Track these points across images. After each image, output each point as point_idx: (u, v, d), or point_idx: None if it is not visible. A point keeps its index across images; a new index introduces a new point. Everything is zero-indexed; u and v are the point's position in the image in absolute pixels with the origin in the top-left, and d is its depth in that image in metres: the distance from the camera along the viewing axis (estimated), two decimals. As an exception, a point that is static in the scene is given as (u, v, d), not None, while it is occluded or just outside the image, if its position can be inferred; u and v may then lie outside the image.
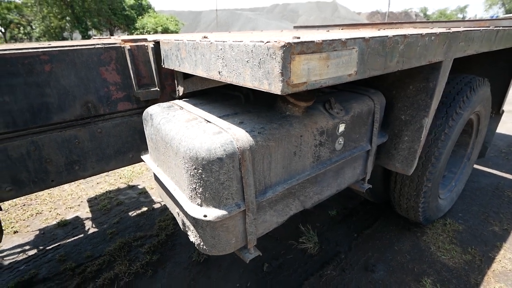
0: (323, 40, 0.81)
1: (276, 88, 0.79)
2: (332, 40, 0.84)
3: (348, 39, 0.88)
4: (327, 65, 0.86)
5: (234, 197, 1.09)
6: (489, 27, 2.23)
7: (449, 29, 1.58)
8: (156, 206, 3.06)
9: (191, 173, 1.05)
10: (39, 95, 1.34)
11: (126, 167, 4.00)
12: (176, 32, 32.01)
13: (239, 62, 0.91)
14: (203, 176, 1.03)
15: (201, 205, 1.08)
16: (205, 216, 1.05)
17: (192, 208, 1.09)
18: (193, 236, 1.23)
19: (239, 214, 1.14)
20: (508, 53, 2.63)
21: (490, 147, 4.16)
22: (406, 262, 2.21)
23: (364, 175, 1.76)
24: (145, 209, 3.01)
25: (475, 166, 3.64)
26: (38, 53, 1.30)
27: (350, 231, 2.57)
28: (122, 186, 3.53)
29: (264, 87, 0.83)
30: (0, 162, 1.33)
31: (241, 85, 0.94)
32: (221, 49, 0.98)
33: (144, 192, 3.36)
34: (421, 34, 1.20)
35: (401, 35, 1.10)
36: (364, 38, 0.94)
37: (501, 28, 1.95)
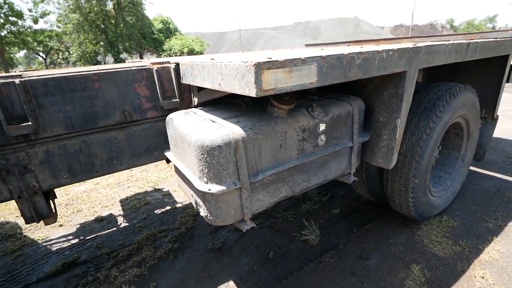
0: (285, 59, 1.18)
1: (252, 92, 1.16)
2: (293, 58, 1.20)
3: (307, 57, 1.24)
4: (291, 76, 1.22)
5: (232, 176, 1.45)
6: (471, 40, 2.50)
7: (415, 44, 1.89)
8: (178, 205, 3.47)
9: (199, 158, 1.42)
10: (90, 106, 1.79)
11: (153, 174, 4.48)
12: (201, 53, 33.61)
13: (231, 76, 1.29)
14: (208, 159, 1.40)
15: (206, 182, 1.45)
16: (209, 189, 1.41)
17: (200, 185, 1.45)
18: (202, 210, 1.60)
19: (235, 190, 1.49)
20: (496, 62, 2.85)
21: (499, 152, 4.27)
22: (399, 252, 2.43)
23: (349, 169, 2.05)
24: (168, 207, 3.42)
25: (480, 170, 3.76)
26: (91, 74, 1.75)
27: (351, 226, 2.82)
28: (149, 189, 3.98)
29: (246, 92, 1.20)
30: (61, 155, 1.78)
31: (233, 92, 1.31)
32: (219, 67, 1.37)
33: (168, 194, 3.78)
34: (378, 50, 1.53)
35: (357, 52, 1.44)
36: (321, 56, 1.29)
37: (472, 41, 2.22)
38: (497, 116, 3.11)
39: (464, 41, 2.15)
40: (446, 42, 1.99)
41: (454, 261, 2.30)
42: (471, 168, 3.80)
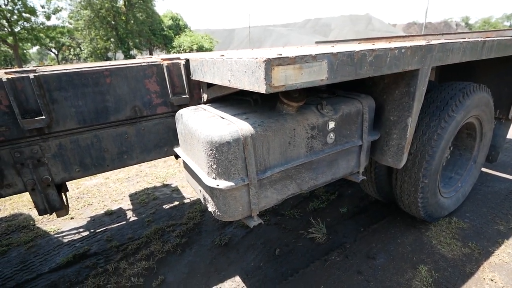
0: (296, 56, 1.17)
1: (262, 89, 1.16)
2: (304, 55, 1.19)
3: (317, 54, 1.23)
4: (301, 73, 1.21)
5: (240, 173, 1.46)
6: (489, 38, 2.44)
7: (429, 41, 1.86)
8: (186, 201, 3.50)
9: (208, 154, 1.43)
10: (101, 101, 1.82)
11: (162, 169, 4.53)
12: (211, 50, 33.66)
13: (241, 72, 1.29)
14: (216, 155, 1.40)
15: (215, 178, 1.46)
16: (218, 185, 1.42)
17: (209, 181, 1.47)
18: (210, 206, 1.61)
19: (244, 187, 1.50)
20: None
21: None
22: (407, 253, 2.41)
23: (358, 168, 2.04)
24: (176, 203, 3.46)
25: (493, 172, 3.69)
26: (102, 69, 1.78)
27: (358, 225, 2.81)
28: (158, 184, 4.03)
29: (255, 88, 1.20)
30: (73, 149, 1.82)
31: (242, 89, 1.32)
32: (229, 63, 1.38)
33: (176, 190, 3.82)
34: (390, 47, 1.51)
35: (369, 49, 1.42)
36: (332, 53, 1.28)
37: (488, 39, 2.17)
38: (512, 116, 3.04)
39: (479, 39, 2.10)
40: (461, 40, 1.95)
41: (463, 262, 2.27)
42: (483, 169, 3.74)
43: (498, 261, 2.26)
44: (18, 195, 3.36)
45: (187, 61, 1.99)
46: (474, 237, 2.53)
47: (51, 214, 1.89)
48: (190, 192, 3.72)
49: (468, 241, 2.48)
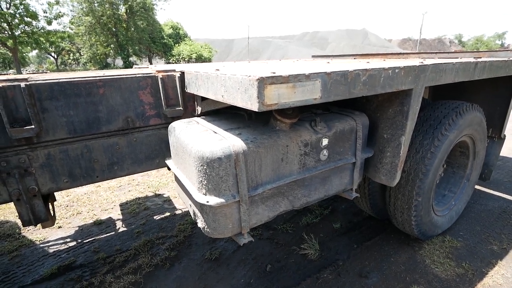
0: (289, 75, 1.17)
1: (254, 106, 1.15)
2: (297, 74, 1.19)
3: (311, 73, 1.23)
4: (294, 92, 1.21)
5: (231, 189, 1.43)
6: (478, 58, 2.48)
7: (422, 62, 1.87)
8: (178, 212, 3.44)
9: (199, 169, 1.41)
10: (93, 111, 1.79)
11: (154, 178, 4.48)
12: (210, 59, 33.87)
13: (234, 89, 1.28)
14: (207, 171, 1.38)
15: (205, 194, 1.43)
16: (207, 202, 1.39)
17: (199, 196, 1.44)
18: (200, 222, 1.57)
19: (234, 203, 1.47)
20: (505, 82, 2.82)
21: (506, 172, 4.19)
22: (400, 272, 2.37)
23: (351, 185, 2.02)
24: (168, 214, 3.40)
25: (486, 190, 3.69)
26: (96, 80, 1.76)
27: (351, 242, 2.77)
28: (150, 194, 3.97)
29: (248, 106, 1.19)
30: (62, 159, 1.78)
31: (235, 105, 1.31)
32: (223, 79, 1.37)
33: (168, 200, 3.77)
34: (384, 67, 1.52)
35: (363, 69, 1.43)
36: (326, 72, 1.28)
37: (480, 60, 2.19)
38: (505, 135, 3.06)
39: (472, 60, 2.13)
40: (454, 61, 1.97)
41: (457, 284, 2.24)
42: (477, 187, 3.74)
43: (491, 282, 2.23)
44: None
45: (182, 73, 1.98)
46: (468, 256, 2.51)
47: (36, 225, 1.84)
48: (182, 203, 3.67)
49: (461, 261, 2.46)
